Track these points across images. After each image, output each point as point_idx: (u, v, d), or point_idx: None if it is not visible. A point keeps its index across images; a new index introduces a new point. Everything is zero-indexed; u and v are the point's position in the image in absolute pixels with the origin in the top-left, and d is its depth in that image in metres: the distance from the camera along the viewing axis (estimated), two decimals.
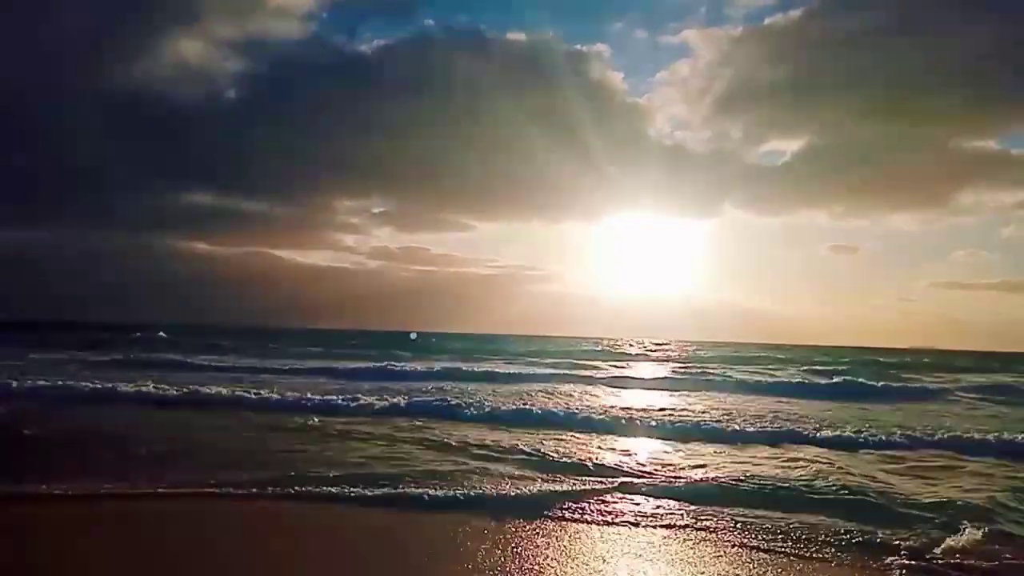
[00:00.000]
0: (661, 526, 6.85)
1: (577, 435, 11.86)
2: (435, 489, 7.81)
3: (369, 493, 7.65)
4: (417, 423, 12.81)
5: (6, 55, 75.56)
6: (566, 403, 16.85)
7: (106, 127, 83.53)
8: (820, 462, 9.69)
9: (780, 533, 6.56)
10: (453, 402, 15.10)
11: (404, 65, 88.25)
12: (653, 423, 13.34)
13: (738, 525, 6.81)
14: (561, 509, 7.25)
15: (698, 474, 8.95)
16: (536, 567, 5.61)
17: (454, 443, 10.85)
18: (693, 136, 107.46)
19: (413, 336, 57.45)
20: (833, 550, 6.17)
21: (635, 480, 8.52)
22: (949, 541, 6.30)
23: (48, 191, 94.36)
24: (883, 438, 12.04)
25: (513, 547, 6.06)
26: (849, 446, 11.53)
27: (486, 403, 15.10)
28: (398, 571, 5.66)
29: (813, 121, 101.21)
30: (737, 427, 12.98)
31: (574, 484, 8.20)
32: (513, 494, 7.77)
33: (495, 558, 5.78)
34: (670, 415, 14.65)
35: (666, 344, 73.97)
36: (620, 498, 7.77)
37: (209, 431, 11.73)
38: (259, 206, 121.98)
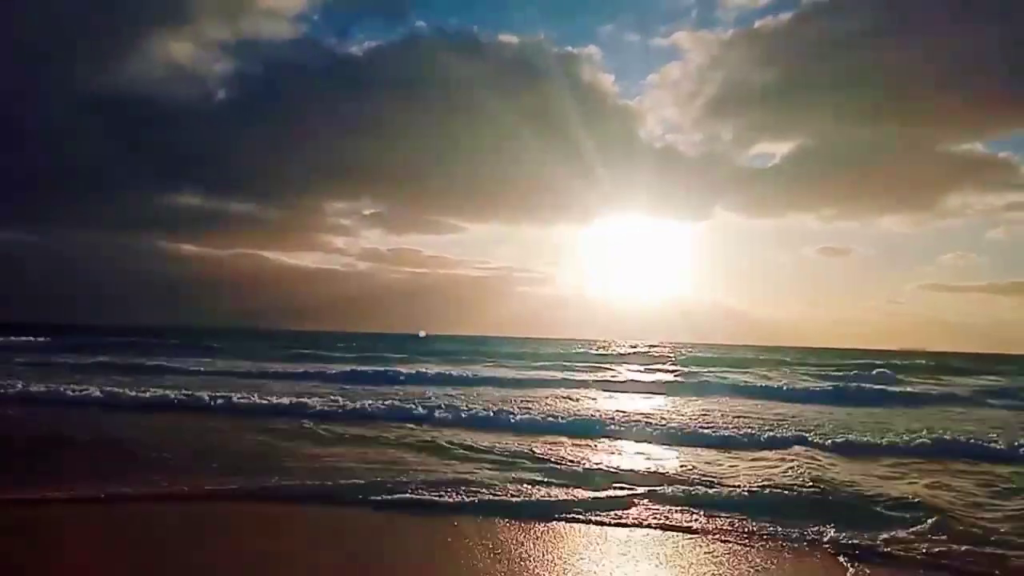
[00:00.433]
0: (680, 530, 6.86)
1: (578, 440, 11.85)
2: (430, 494, 7.82)
3: (379, 498, 7.65)
4: (410, 427, 12.79)
5: None
6: (566, 407, 16.65)
7: (94, 128, 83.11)
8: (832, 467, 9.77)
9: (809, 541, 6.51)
10: (447, 406, 14.97)
11: (395, 67, 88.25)
12: (655, 428, 13.25)
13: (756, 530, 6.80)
14: (578, 515, 7.23)
15: (714, 480, 8.84)
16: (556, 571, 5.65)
17: (448, 446, 10.85)
18: (684, 138, 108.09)
19: (422, 334, 57.56)
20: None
21: (658, 488, 8.30)
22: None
23: (34, 192, 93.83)
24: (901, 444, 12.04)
25: (522, 551, 6.09)
26: (854, 452, 11.40)
27: (481, 408, 15.09)
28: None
29: (803, 124, 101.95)
30: (744, 432, 12.94)
31: (594, 492, 8.05)
32: (535, 499, 7.74)
33: (505, 561, 5.82)
34: (668, 420, 14.58)
35: (657, 346, 74.09)
36: (642, 504, 7.68)
37: (193, 435, 11.70)
38: (249, 207, 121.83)
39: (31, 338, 42.80)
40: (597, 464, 9.71)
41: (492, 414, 14.21)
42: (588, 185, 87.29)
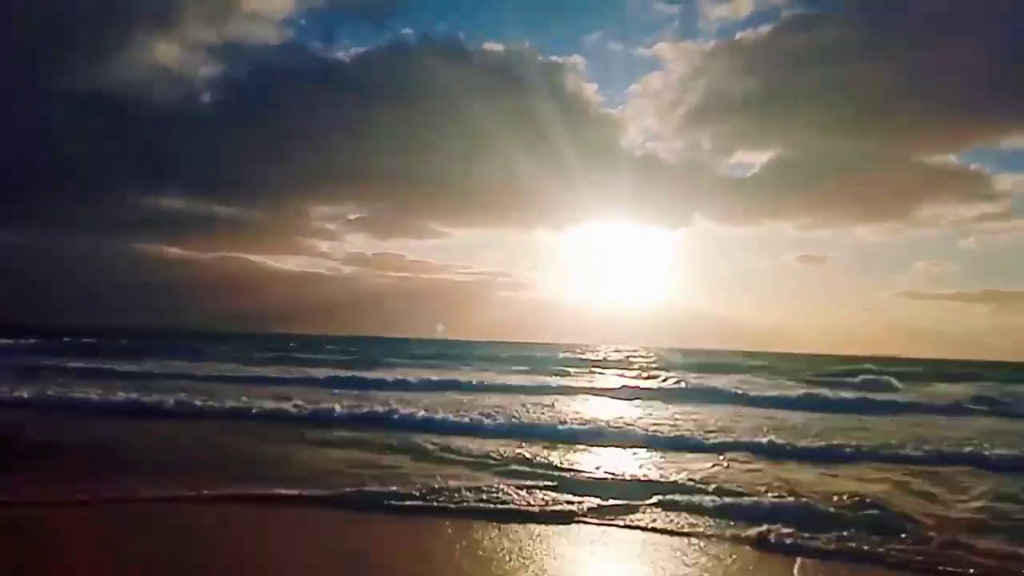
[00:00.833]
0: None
1: (575, 446, 12.09)
2: (413, 498, 8.07)
3: (397, 504, 7.83)
4: (392, 431, 13.03)
5: None
6: (561, 414, 16.57)
7: (76, 129, 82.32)
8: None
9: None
10: (441, 413, 14.94)
11: (381, 72, 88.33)
12: (637, 433, 13.53)
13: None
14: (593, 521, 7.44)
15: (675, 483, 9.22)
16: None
17: (431, 451, 11.10)
18: (665, 147, 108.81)
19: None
20: None
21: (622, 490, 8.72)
22: None
23: (15, 193, 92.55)
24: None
25: (505, 552, 6.30)
26: (822, 457, 11.66)
27: (472, 414, 15.20)
28: None
29: (781, 134, 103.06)
30: (710, 435, 13.28)
31: (600, 500, 8.17)
32: (536, 509, 7.85)
33: (482, 562, 6.07)
34: (635, 425, 14.94)
35: (637, 351, 74.85)
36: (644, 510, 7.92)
37: (170, 439, 11.86)
38: (233, 211, 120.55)
39: (9, 340, 42.46)
40: (579, 469, 9.99)
41: (471, 420, 14.38)
42: (570, 191, 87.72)
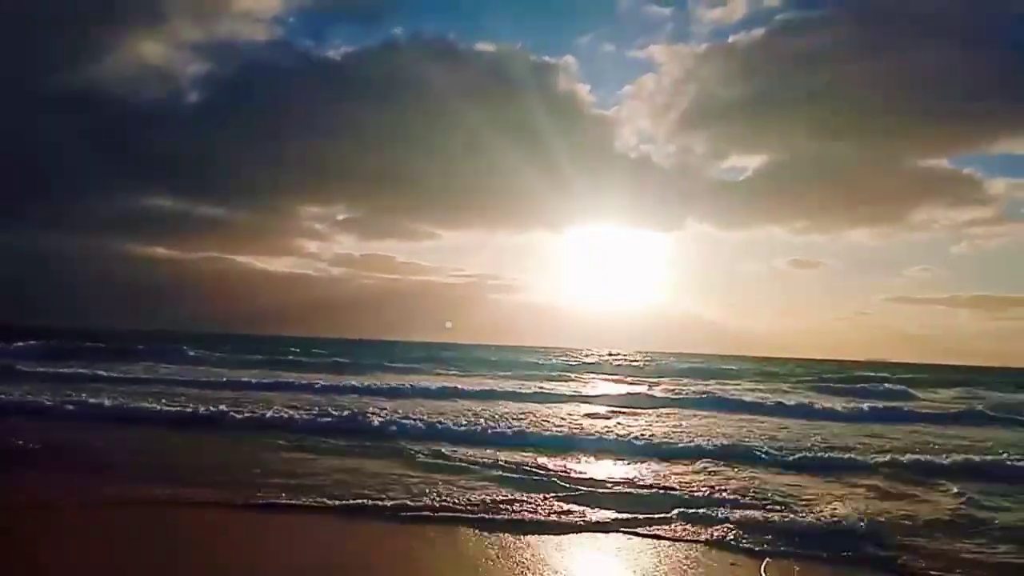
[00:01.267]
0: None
1: (548, 452, 11.76)
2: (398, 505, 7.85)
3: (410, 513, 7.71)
4: (392, 440, 12.63)
5: None
6: (534, 421, 16.19)
7: (61, 127, 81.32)
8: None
9: None
10: (434, 420, 14.55)
11: (372, 72, 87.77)
12: (620, 440, 13.23)
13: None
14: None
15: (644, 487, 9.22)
16: None
17: (431, 460, 10.83)
18: (658, 150, 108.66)
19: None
20: None
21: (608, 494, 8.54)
22: None
23: None
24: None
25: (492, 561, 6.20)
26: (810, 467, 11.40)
27: (459, 421, 14.98)
28: None
29: (774, 138, 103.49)
30: (690, 442, 13.17)
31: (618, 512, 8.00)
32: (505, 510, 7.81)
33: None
34: (613, 431, 14.56)
35: (628, 355, 74.47)
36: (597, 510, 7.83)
37: (155, 445, 11.74)
38: (220, 211, 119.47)
39: None
40: (565, 474, 9.79)
41: (461, 427, 14.08)
42: (563, 194, 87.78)
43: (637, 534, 7.20)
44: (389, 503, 7.92)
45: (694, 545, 6.90)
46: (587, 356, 67.49)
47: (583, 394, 25.05)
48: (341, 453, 11.17)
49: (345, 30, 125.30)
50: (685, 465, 11.08)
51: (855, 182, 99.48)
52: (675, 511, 7.83)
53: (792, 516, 7.81)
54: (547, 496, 8.49)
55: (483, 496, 8.39)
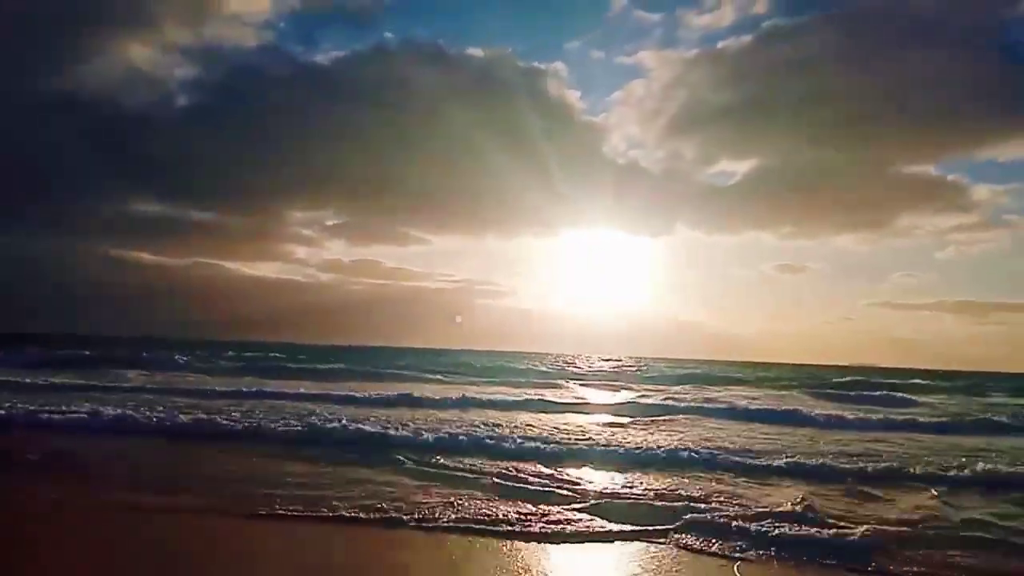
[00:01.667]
0: None
1: (558, 462, 11.54)
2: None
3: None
4: (393, 450, 12.38)
5: None
6: (554, 432, 15.40)
7: (47, 131, 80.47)
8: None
9: None
10: (427, 428, 14.36)
11: (361, 77, 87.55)
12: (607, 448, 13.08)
13: None
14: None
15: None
16: None
17: (429, 469, 10.74)
18: (647, 155, 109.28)
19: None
20: None
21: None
22: None
23: None
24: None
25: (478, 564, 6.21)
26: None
27: (445, 429, 14.84)
28: None
29: (762, 144, 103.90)
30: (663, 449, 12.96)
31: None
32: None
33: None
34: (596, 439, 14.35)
35: (617, 360, 74.42)
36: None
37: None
38: (208, 216, 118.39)
39: None
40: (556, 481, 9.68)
41: (456, 436, 13.79)
42: (552, 199, 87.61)
43: (638, 541, 7.22)
44: (380, 512, 7.84)
45: (697, 556, 6.85)
46: (577, 362, 67.32)
47: (576, 402, 24.81)
48: (332, 462, 10.96)
49: (335, 34, 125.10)
50: (684, 474, 10.95)
51: (841, 187, 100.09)
52: (677, 522, 7.74)
53: (803, 528, 7.71)
54: (544, 505, 8.43)
55: (479, 505, 8.33)
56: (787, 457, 12.42)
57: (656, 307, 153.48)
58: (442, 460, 11.21)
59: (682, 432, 16.23)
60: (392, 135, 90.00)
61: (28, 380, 21.86)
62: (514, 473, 10.32)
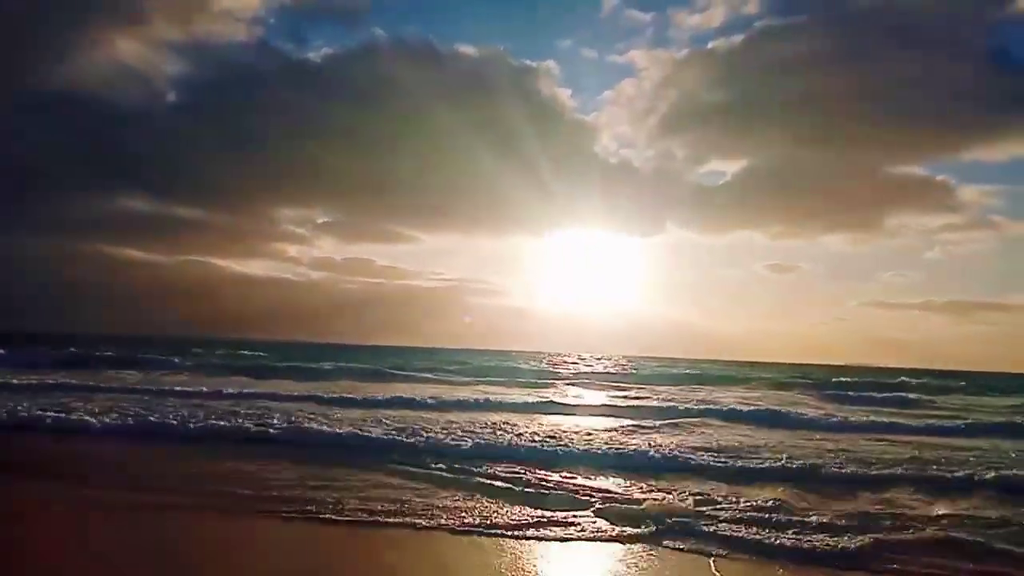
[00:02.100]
0: None
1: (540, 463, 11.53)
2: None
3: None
4: (385, 452, 12.46)
5: None
6: (545, 434, 15.21)
7: (35, 127, 79.87)
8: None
9: None
10: (420, 429, 14.37)
11: (352, 74, 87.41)
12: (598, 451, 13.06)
13: None
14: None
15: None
16: None
17: (421, 470, 10.70)
18: (638, 154, 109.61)
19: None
20: None
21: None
22: None
23: None
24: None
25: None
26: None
27: (432, 431, 14.89)
28: None
29: (752, 144, 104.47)
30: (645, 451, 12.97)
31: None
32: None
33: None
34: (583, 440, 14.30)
35: (608, 359, 74.51)
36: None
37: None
38: (198, 213, 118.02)
39: None
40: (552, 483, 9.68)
41: (449, 438, 13.89)
42: (543, 198, 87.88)
43: (625, 542, 7.27)
44: (371, 513, 7.86)
45: (683, 556, 6.92)
46: (568, 361, 67.32)
47: (568, 403, 24.62)
48: (322, 462, 10.94)
49: (325, 31, 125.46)
50: (674, 476, 10.93)
51: (831, 187, 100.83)
52: (664, 524, 7.80)
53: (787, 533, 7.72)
54: (535, 508, 8.46)
55: (471, 506, 8.40)
56: (784, 460, 12.35)
57: (647, 306, 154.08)
58: (433, 461, 11.20)
59: (675, 435, 16.23)
60: (383, 133, 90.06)
61: (15, 381, 21.68)
62: (505, 474, 10.34)
